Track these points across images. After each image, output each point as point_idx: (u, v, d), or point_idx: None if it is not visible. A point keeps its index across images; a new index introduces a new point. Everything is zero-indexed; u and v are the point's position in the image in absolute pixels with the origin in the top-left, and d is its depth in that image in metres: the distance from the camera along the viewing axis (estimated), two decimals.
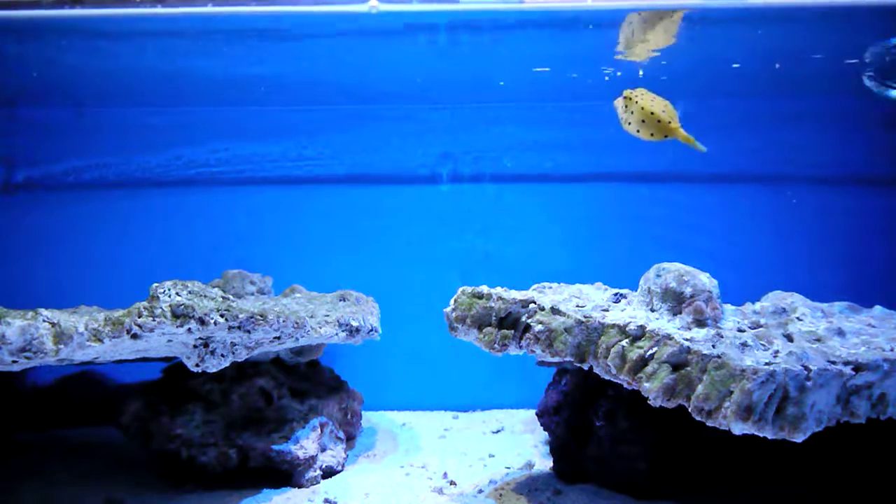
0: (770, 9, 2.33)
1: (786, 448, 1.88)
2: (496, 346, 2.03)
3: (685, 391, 1.78)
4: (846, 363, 1.77)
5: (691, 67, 2.81)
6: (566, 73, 2.88)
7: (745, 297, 2.27)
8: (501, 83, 2.99)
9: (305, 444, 2.30)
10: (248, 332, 2.05)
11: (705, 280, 2.00)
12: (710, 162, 3.23)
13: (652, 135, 2.04)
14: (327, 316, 2.34)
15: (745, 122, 3.14)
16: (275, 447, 2.27)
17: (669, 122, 2.00)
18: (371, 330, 2.48)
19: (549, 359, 2.06)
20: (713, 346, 1.80)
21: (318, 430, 2.38)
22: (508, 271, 3.10)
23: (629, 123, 2.08)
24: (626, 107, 2.08)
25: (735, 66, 2.81)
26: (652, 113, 2.01)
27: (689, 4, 2.32)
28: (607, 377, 1.94)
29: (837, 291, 2.34)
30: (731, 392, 1.71)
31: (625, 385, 1.91)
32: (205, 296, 2.04)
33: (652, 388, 1.80)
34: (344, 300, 2.61)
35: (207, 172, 3.21)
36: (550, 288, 2.23)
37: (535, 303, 2.02)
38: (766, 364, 1.72)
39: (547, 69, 2.83)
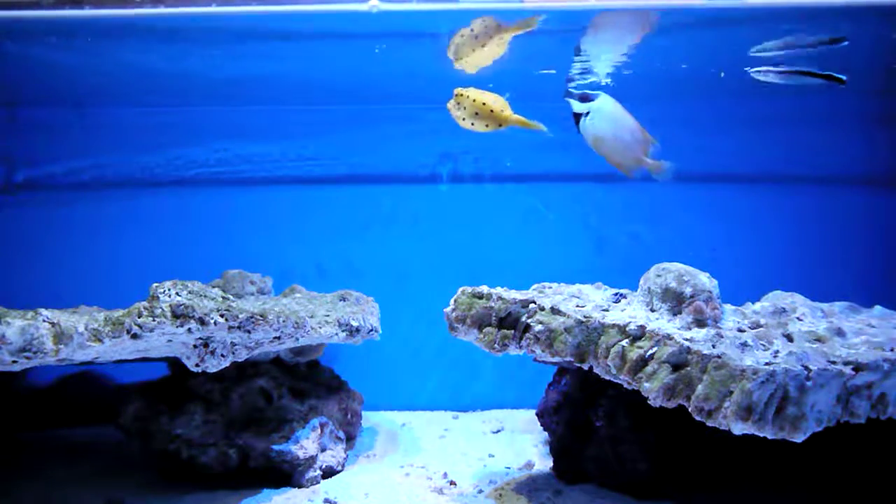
0: (770, 9, 2.33)
1: (786, 448, 1.88)
2: (496, 346, 2.03)
3: (685, 391, 1.78)
4: (846, 363, 1.77)
5: (692, 68, 2.81)
6: (567, 73, 2.87)
7: (745, 297, 2.27)
8: (490, 84, 2.99)
9: (305, 444, 2.30)
10: (248, 332, 2.05)
11: (705, 280, 2.00)
12: (710, 162, 3.24)
13: (487, 125, 2.13)
14: (327, 316, 2.34)
15: (744, 123, 3.14)
16: (275, 447, 2.27)
17: (502, 111, 2.10)
18: (371, 330, 2.48)
19: (549, 359, 2.06)
20: (713, 346, 1.80)
21: (318, 430, 2.38)
22: (508, 271, 3.10)
23: (463, 119, 2.15)
24: (457, 104, 2.16)
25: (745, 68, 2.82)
26: (484, 103, 2.10)
27: (690, 4, 2.32)
28: (607, 377, 1.94)
29: (837, 291, 2.34)
30: (731, 392, 1.71)
31: (625, 385, 1.91)
32: (205, 296, 2.04)
33: (652, 388, 1.80)
34: (344, 300, 2.61)
35: (207, 172, 3.21)
36: (550, 288, 2.23)
37: (535, 303, 2.03)
38: (767, 364, 1.72)
39: (553, 71, 2.83)
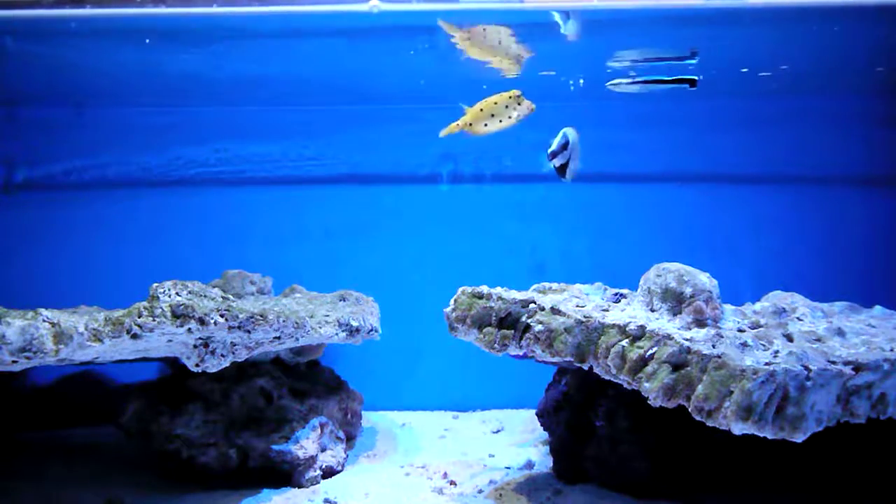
0: (770, 9, 2.33)
1: (786, 448, 1.88)
2: (496, 346, 2.03)
3: (685, 391, 1.78)
4: (846, 363, 1.77)
5: (693, 67, 2.81)
6: (567, 74, 2.87)
7: (746, 296, 2.27)
8: (484, 86, 3.00)
9: (305, 444, 2.30)
10: (248, 332, 2.05)
11: (705, 280, 2.00)
12: (710, 162, 3.24)
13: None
14: (327, 316, 2.34)
15: (745, 122, 3.14)
16: (275, 447, 2.27)
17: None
18: (371, 330, 2.48)
19: (550, 359, 2.06)
20: (713, 346, 1.80)
21: (318, 430, 2.38)
22: (508, 271, 3.11)
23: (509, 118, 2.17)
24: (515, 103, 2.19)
25: (744, 69, 2.82)
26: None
27: (690, 4, 2.32)
28: (607, 377, 1.94)
29: (837, 291, 2.34)
30: (731, 392, 1.71)
31: (625, 385, 1.91)
32: (205, 296, 2.04)
33: (652, 388, 1.80)
34: (344, 300, 2.61)
35: (207, 172, 3.20)
36: (550, 288, 2.23)
37: (535, 303, 2.03)
38: (766, 364, 1.72)
39: (552, 72, 2.83)
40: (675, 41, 2.57)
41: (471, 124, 2.13)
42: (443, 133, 2.16)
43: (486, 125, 2.14)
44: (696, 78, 2.26)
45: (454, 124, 2.16)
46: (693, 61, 2.34)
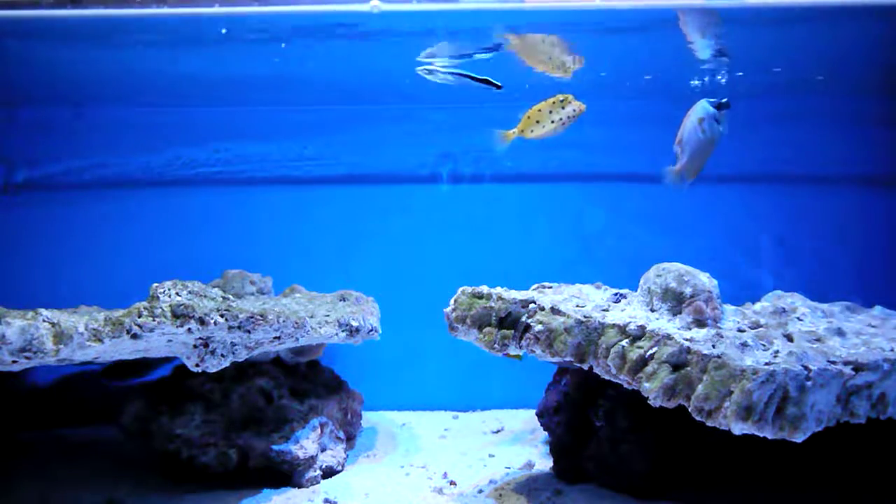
0: (770, 9, 2.33)
1: (786, 448, 1.88)
2: (496, 346, 2.03)
3: (685, 391, 1.78)
4: (846, 363, 1.77)
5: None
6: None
7: (745, 297, 2.27)
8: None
9: (305, 444, 2.30)
10: (248, 332, 2.05)
11: (705, 280, 2.00)
12: (709, 162, 3.23)
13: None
14: (327, 316, 2.34)
15: (745, 123, 3.14)
16: (275, 447, 2.27)
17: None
18: (371, 330, 2.48)
19: (550, 359, 2.06)
20: (713, 346, 1.80)
21: (318, 430, 2.38)
22: (508, 271, 3.10)
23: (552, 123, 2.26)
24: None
25: (740, 74, 2.83)
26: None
27: (691, 4, 2.32)
28: (607, 377, 1.94)
29: (838, 291, 2.34)
30: (731, 392, 1.71)
31: (625, 385, 1.91)
32: (205, 296, 2.04)
33: (652, 388, 1.80)
34: (344, 300, 2.61)
35: (207, 172, 3.20)
36: (550, 288, 2.23)
37: (535, 303, 2.03)
38: (766, 364, 1.72)
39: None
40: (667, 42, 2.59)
41: (522, 131, 2.26)
42: (501, 141, 2.28)
43: (532, 131, 2.26)
44: (500, 85, 2.37)
45: (511, 132, 2.27)
46: (491, 54, 2.43)
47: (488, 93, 3.08)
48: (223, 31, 2.44)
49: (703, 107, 2.19)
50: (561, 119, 2.21)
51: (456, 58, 2.52)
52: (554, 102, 2.22)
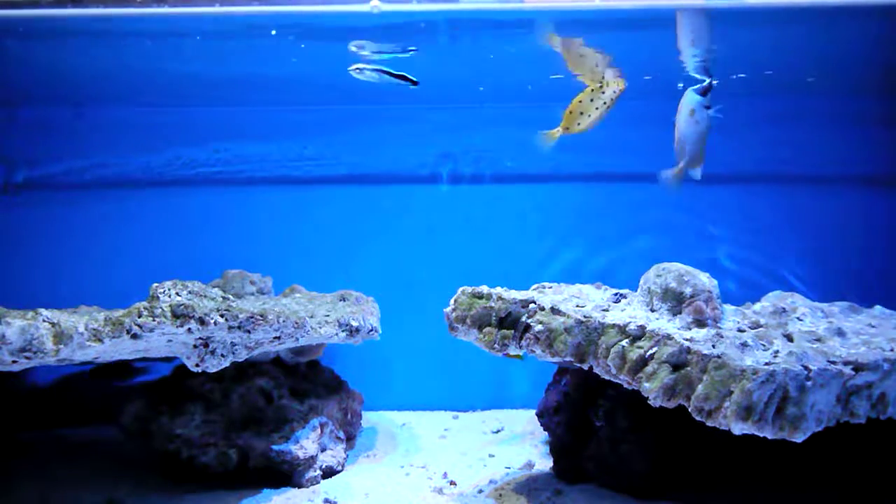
0: (770, 9, 2.33)
1: (786, 448, 1.88)
2: (496, 346, 2.03)
3: (685, 391, 1.78)
4: (846, 363, 1.77)
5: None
6: (567, 73, 2.87)
7: (745, 297, 2.27)
8: (481, 87, 3.02)
9: (305, 444, 2.30)
10: (248, 332, 2.05)
11: (705, 280, 2.00)
12: (710, 162, 3.23)
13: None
14: (327, 316, 2.34)
15: (745, 123, 3.14)
16: (275, 447, 2.27)
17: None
18: (371, 330, 2.48)
19: (550, 359, 2.06)
20: (713, 346, 1.80)
21: (318, 430, 2.38)
22: (508, 271, 3.10)
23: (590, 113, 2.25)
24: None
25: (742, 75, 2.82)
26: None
27: (692, 4, 2.32)
28: (607, 377, 1.94)
29: (838, 291, 2.34)
30: (731, 392, 1.71)
31: (625, 385, 1.91)
32: (205, 296, 2.04)
33: (652, 388, 1.80)
34: (344, 300, 2.61)
35: (207, 172, 3.20)
36: (550, 288, 2.23)
37: (535, 303, 2.03)
38: (766, 364, 1.72)
39: (561, 76, 2.83)
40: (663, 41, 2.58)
41: (568, 128, 2.24)
42: (547, 140, 2.27)
43: (579, 124, 2.24)
44: (416, 81, 2.39)
45: (555, 131, 2.26)
46: (407, 54, 2.44)
47: (478, 92, 3.10)
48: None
49: (690, 97, 2.19)
50: (605, 103, 2.19)
51: (378, 53, 2.52)
52: (592, 90, 2.20)
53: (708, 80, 2.17)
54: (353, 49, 2.49)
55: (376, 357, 3.02)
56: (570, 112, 2.22)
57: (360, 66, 2.42)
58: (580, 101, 2.21)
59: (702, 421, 1.75)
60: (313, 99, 3.19)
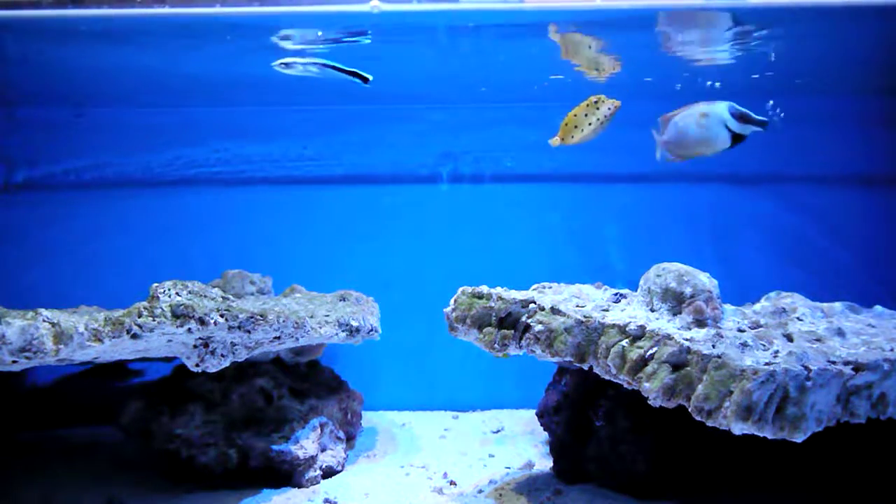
0: (770, 9, 2.33)
1: (786, 448, 1.88)
2: (496, 346, 2.03)
3: (685, 391, 1.78)
4: (846, 363, 1.77)
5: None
6: (568, 73, 2.87)
7: (745, 297, 2.27)
8: (483, 88, 3.01)
9: (305, 444, 2.30)
10: (248, 332, 2.05)
11: (705, 280, 2.00)
12: (709, 162, 3.23)
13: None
14: (327, 316, 2.34)
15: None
16: (275, 447, 2.27)
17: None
18: (371, 330, 2.48)
19: (549, 358, 2.06)
20: (713, 346, 1.80)
21: (318, 430, 2.38)
22: (508, 271, 3.10)
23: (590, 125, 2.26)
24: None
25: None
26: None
27: (691, 4, 2.32)
28: (607, 377, 1.94)
29: (838, 291, 2.34)
30: (731, 392, 1.71)
31: (625, 385, 1.90)
32: (205, 296, 2.04)
33: (652, 388, 1.80)
34: (344, 300, 2.61)
35: (207, 172, 3.20)
36: (550, 288, 2.23)
37: (535, 303, 2.02)
38: (766, 364, 1.72)
39: (561, 76, 2.84)
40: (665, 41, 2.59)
41: (563, 138, 2.26)
42: (552, 145, 2.28)
43: (573, 136, 2.25)
44: (369, 77, 2.34)
45: (554, 139, 2.28)
46: (366, 40, 2.38)
47: (478, 92, 3.09)
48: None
49: (720, 105, 2.15)
50: (598, 119, 2.21)
51: (320, 44, 2.42)
52: (588, 105, 2.23)
53: (765, 118, 2.13)
54: (275, 41, 2.37)
55: (376, 357, 3.02)
56: (566, 124, 2.25)
57: (288, 59, 2.29)
58: (575, 115, 2.24)
59: (702, 421, 1.75)
60: (313, 99, 3.19)
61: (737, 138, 2.14)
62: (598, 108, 2.21)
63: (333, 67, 2.32)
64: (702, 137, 2.15)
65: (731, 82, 2.95)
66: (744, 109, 2.12)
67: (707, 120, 2.13)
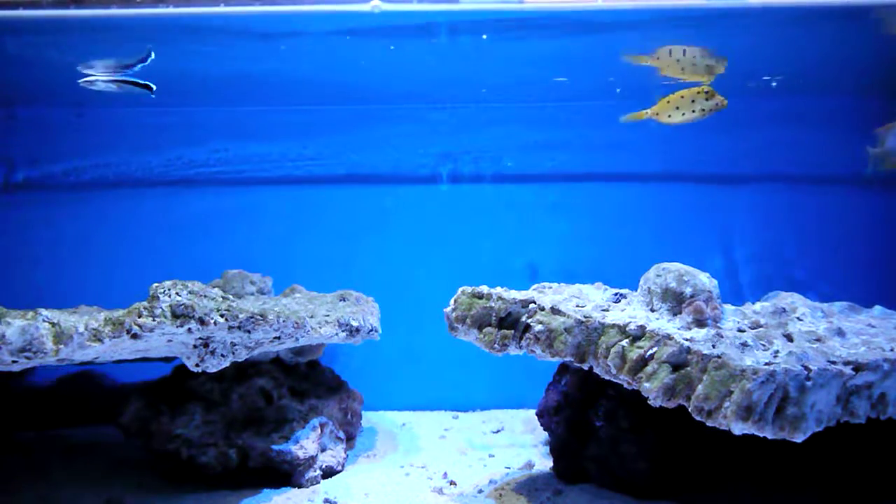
0: (770, 9, 2.33)
1: (786, 448, 1.88)
2: (496, 346, 2.03)
3: (685, 391, 1.78)
4: (846, 363, 1.77)
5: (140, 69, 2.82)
6: (568, 74, 2.88)
7: (745, 296, 2.27)
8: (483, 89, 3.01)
9: (305, 444, 2.30)
10: (248, 332, 2.05)
11: (705, 280, 2.00)
12: (709, 162, 3.24)
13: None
14: (327, 316, 2.34)
15: (745, 122, 3.14)
16: (275, 447, 2.27)
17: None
18: (371, 330, 2.48)
19: (549, 358, 2.06)
20: (713, 346, 1.80)
21: (318, 430, 2.38)
22: (508, 271, 3.11)
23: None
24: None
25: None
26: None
27: (691, 4, 2.32)
28: (607, 377, 1.94)
29: (838, 291, 2.34)
30: (731, 392, 1.71)
31: (625, 385, 1.91)
32: (205, 296, 2.04)
33: (652, 388, 1.80)
34: (344, 300, 2.61)
35: (207, 172, 3.21)
36: (550, 288, 2.23)
37: (535, 303, 2.03)
38: (766, 364, 1.72)
39: (564, 79, 2.84)
40: (665, 42, 2.58)
41: (657, 114, 2.23)
42: (625, 118, 2.26)
43: (669, 116, 2.23)
44: (153, 86, 2.50)
45: (641, 112, 2.25)
46: (144, 63, 2.52)
47: (478, 92, 3.09)
48: (223, 31, 2.43)
49: None
50: (703, 109, 2.19)
51: (120, 69, 2.62)
52: (699, 92, 2.20)
53: None
54: (81, 69, 2.60)
55: (376, 357, 3.02)
56: (668, 101, 2.22)
57: (91, 78, 2.54)
58: (682, 97, 2.21)
59: (702, 421, 1.75)
60: (313, 99, 3.19)
61: None
62: (706, 99, 2.19)
63: (126, 82, 2.55)
64: None
65: (732, 80, 2.95)
66: None
67: None
